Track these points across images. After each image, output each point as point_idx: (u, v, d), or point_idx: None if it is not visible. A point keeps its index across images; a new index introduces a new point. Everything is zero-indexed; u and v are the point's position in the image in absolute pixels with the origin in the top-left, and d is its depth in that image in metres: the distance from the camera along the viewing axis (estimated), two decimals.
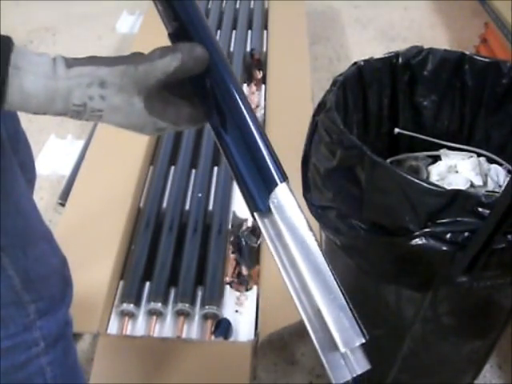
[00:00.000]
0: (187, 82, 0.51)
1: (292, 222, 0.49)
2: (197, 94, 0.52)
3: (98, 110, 0.48)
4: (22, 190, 0.71)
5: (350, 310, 0.47)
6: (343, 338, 0.46)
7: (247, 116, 0.51)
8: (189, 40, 0.50)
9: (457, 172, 0.91)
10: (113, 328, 1.16)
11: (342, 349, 0.46)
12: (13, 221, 0.68)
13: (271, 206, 0.50)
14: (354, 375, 0.47)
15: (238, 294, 1.21)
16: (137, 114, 0.49)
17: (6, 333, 0.72)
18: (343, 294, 0.48)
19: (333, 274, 0.48)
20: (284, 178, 0.51)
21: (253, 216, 0.51)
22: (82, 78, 0.47)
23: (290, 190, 0.50)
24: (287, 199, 0.50)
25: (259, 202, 0.50)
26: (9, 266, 0.68)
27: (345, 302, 0.47)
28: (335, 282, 0.48)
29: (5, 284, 0.69)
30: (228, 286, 1.22)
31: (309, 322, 0.48)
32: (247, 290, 1.22)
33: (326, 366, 0.47)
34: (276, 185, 0.50)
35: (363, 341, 0.46)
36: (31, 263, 0.72)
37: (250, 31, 2.06)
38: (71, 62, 0.47)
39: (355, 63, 0.91)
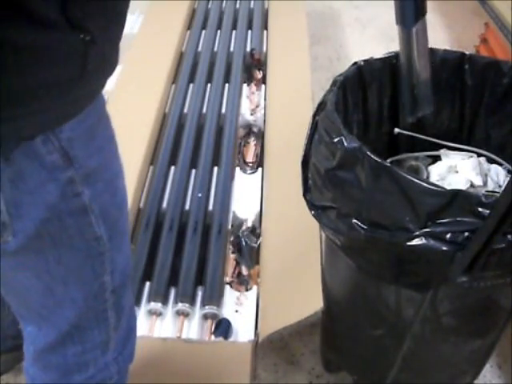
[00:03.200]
0: None
1: None
2: None
3: None
4: None
5: None
6: None
7: None
8: None
9: (457, 172, 0.91)
10: None
11: None
12: (128, 257, 0.69)
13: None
14: None
15: (238, 293, 1.21)
16: None
17: (85, 375, 0.69)
18: None
19: None
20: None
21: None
22: None
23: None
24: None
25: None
26: (111, 307, 0.66)
27: None
28: None
29: (100, 327, 0.66)
30: (228, 286, 1.22)
31: None
32: (247, 290, 1.22)
33: None
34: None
35: None
36: (127, 298, 0.70)
37: (249, 31, 2.06)
38: None
39: (355, 63, 0.91)
